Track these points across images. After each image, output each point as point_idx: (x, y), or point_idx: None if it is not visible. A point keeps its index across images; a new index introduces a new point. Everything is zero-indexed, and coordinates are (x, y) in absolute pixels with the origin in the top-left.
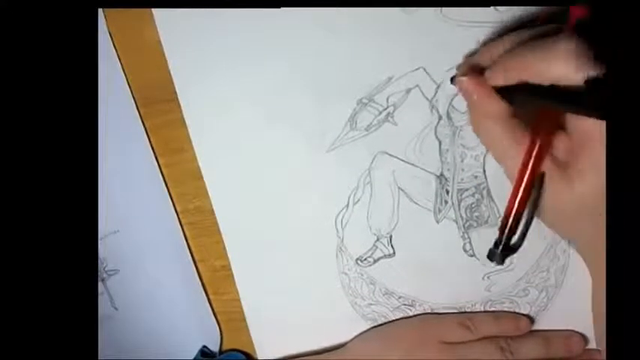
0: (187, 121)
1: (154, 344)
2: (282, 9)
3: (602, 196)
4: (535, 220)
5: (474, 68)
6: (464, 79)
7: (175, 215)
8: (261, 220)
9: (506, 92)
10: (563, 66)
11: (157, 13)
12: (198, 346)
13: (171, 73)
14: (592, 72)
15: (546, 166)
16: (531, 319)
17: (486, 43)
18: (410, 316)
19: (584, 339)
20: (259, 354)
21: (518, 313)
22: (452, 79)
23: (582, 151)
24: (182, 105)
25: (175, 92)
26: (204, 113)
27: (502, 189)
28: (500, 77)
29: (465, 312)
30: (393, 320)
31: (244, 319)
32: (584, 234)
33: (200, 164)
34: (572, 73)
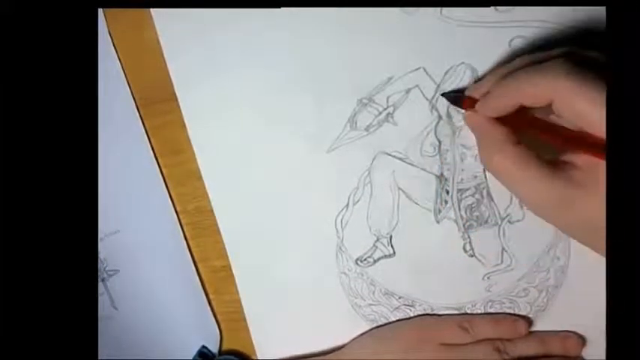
0: (187, 122)
1: (154, 344)
2: (282, 9)
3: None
4: (535, 221)
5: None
6: (470, 113)
7: (175, 215)
8: (261, 221)
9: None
10: (557, 87)
11: (157, 13)
12: (198, 346)
13: (171, 73)
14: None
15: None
16: (529, 321)
17: (479, 79)
18: (408, 318)
19: (582, 339)
20: (259, 354)
21: (516, 315)
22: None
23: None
24: (182, 105)
25: (175, 92)
26: (204, 113)
27: (502, 189)
28: (495, 104)
29: (465, 312)
30: (391, 322)
31: (244, 319)
32: None
33: (200, 164)
34: (567, 95)
